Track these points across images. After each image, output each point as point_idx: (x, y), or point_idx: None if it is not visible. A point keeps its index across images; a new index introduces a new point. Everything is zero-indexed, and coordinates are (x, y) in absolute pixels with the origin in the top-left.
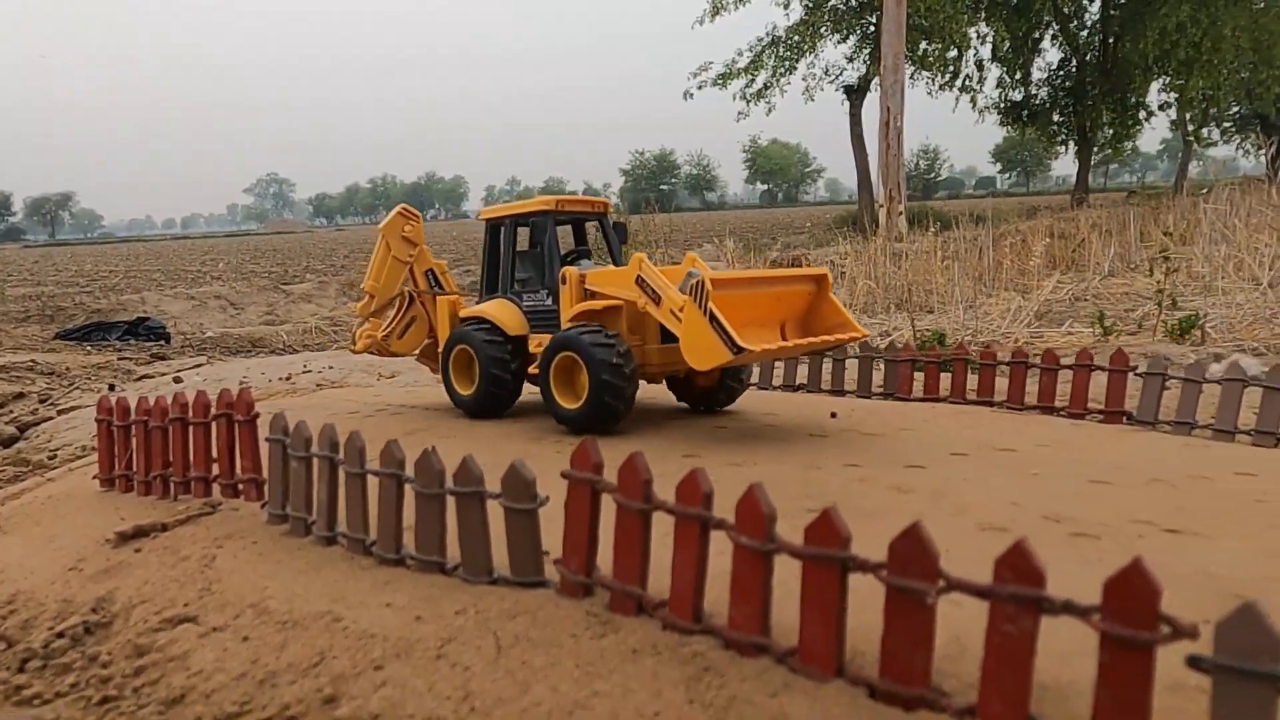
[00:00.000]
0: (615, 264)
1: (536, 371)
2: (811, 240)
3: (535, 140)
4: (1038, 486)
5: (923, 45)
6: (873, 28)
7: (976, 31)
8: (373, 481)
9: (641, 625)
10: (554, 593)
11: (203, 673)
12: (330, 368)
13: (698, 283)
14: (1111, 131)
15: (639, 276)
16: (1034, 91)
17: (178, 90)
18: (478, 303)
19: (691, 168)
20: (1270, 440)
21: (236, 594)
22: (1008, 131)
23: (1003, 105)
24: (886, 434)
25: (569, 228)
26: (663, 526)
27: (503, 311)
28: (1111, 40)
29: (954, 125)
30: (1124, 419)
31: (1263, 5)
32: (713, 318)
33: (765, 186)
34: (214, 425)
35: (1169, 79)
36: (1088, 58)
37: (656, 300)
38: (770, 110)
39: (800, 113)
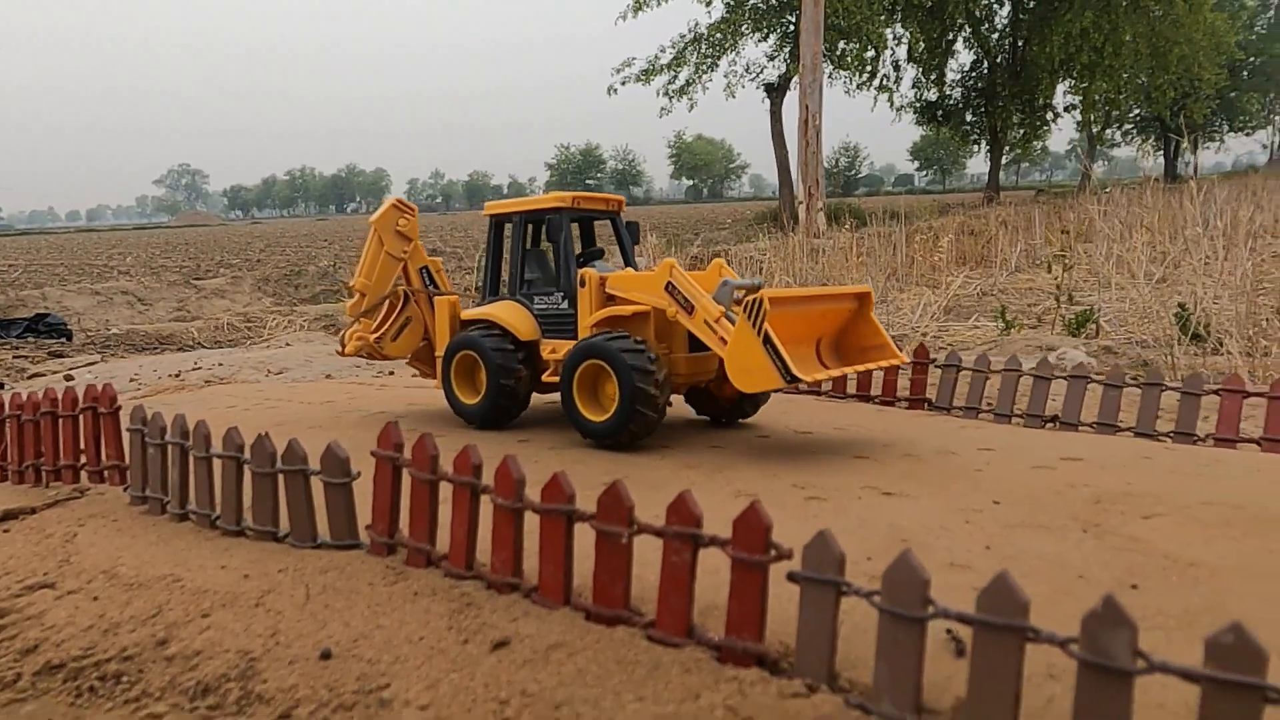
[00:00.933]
0: (629, 265)
1: (553, 380)
2: (733, 236)
3: (460, 136)
4: (803, 462)
5: (841, 45)
6: (792, 27)
7: (893, 33)
8: (220, 464)
9: (428, 575)
10: (365, 552)
11: (55, 627)
12: (220, 365)
13: (755, 301)
14: (1022, 132)
15: (669, 283)
16: (948, 92)
17: (80, 75)
18: (479, 304)
19: (617, 163)
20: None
21: (92, 563)
22: (924, 130)
23: (918, 105)
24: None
25: (576, 226)
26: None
27: (512, 315)
28: (1020, 44)
29: (874, 123)
30: (925, 405)
31: (1161, 14)
32: (768, 340)
33: (691, 182)
34: (81, 418)
35: (1074, 82)
36: (998, 60)
37: (689, 309)
38: (692, 106)
39: (726, 109)
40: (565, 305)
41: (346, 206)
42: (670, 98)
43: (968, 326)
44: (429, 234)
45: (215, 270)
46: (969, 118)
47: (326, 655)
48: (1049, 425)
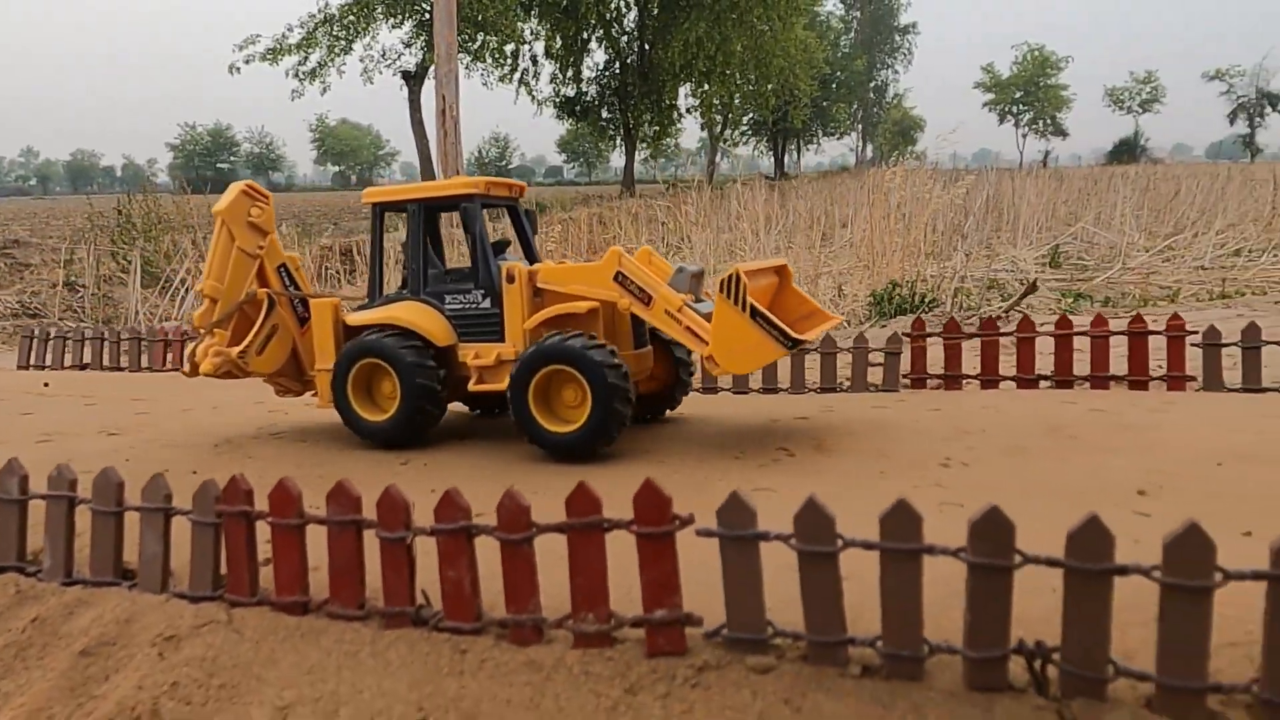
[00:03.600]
0: (530, 257)
1: (484, 389)
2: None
3: (58, 110)
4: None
5: (481, 38)
6: (428, 15)
7: (530, 29)
8: None
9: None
10: None
11: None
12: None
13: (733, 278)
14: (654, 129)
15: (619, 273)
16: (585, 89)
17: None
18: (363, 307)
19: (253, 145)
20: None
21: None
22: (566, 125)
23: (558, 100)
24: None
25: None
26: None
27: (421, 317)
28: (647, 47)
29: (526, 115)
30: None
31: (766, 29)
32: (755, 313)
33: (337, 168)
34: None
35: (694, 85)
36: (629, 61)
37: (646, 300)
38: (325, 89)
39: (371, 94)
40: (487, 304)
41: None
42: (302, 80)
43: None
44: (20, 223)
45: None
46: (605, 114)
47: None
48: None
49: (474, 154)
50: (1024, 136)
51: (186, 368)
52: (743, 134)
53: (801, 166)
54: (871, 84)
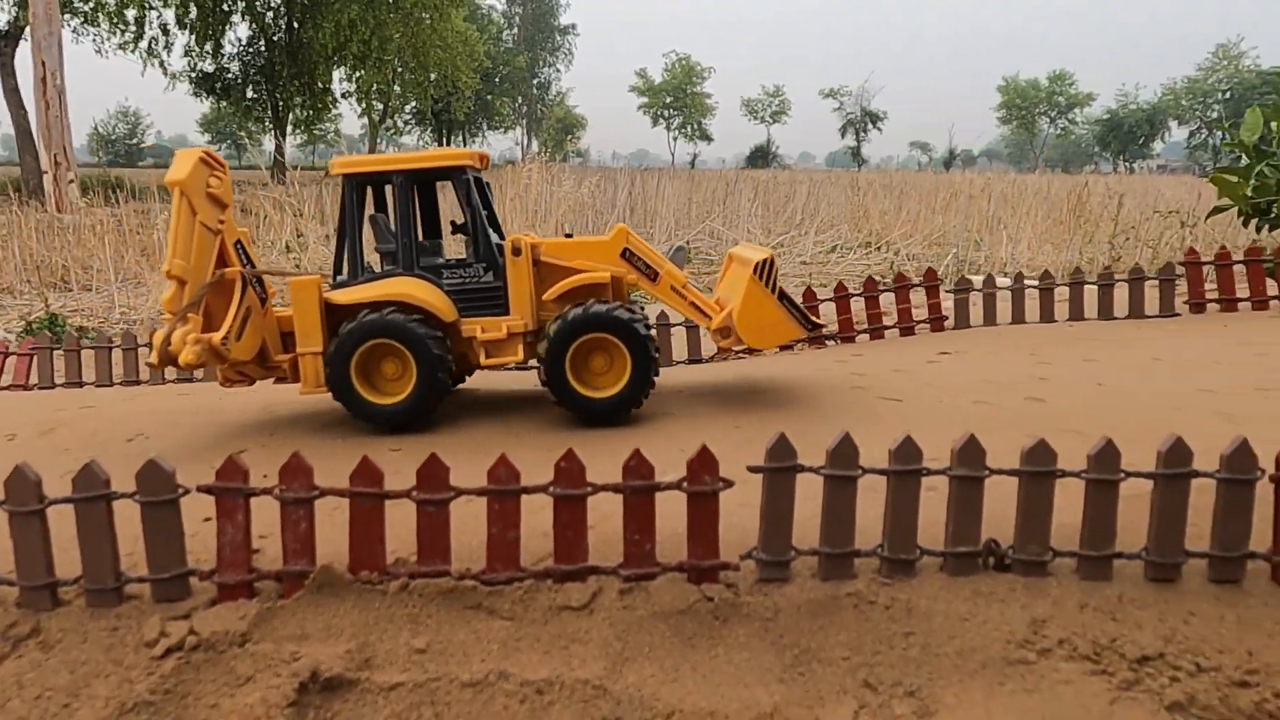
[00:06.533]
0: (497, 230)
1: (497, 363)
2: None
3: None
4: None
5: None
6: None
7: None
8: None
9: None
10: None
11: None
12: None
13: (767, 262)
14: (306, 114)
15: (627, 249)
16: (226, 65)
17: None
18: (339, 284)
19: None
20: None
21: None
22: (209, 103)
23: (195, 75)
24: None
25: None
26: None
27: (427, 293)
28: (296, 25)
29: (161, 88)
30: None
31: (426, 17)
32: (783, 296)
33: None
34: None
35: (348, 70)
36: (275, 38)
37: (653, 276)
38: None
39: None
40: (490, 278)
41: None
42: None
43: None
44: None
45: None
46: (251, 94)
47: None
48: None
49: (94, 129)
50: (675, 139)
51: (154, 358)
52: (406, 123)
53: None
54: (535, 80)
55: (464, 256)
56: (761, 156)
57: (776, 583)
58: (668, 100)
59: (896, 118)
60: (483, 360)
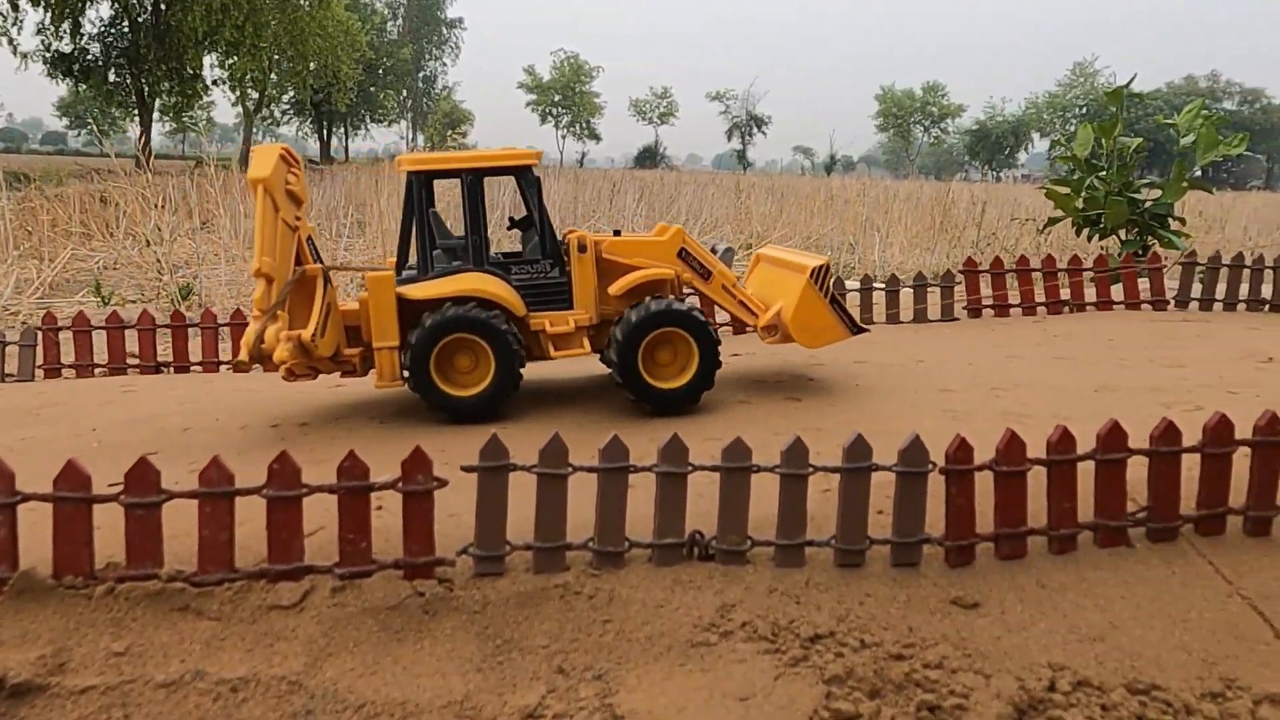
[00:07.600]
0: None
1: (564, 355)
2: None
3: None
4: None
5: None
6: None
7: None
8: None
9: None
10: None
11: None
12: None
13: (824, 268)
14: (174, 100)
15: (683, 249)
16: (86, 46)
17: None
18: (406, 279)
19: None
20: None
21: None
22: (65, 85)
23: (49, 56)
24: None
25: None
26: None
27: (499, 289)
28: (164, 7)
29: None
30: None
31: (304, 4)
32: (834, 301)
33: None
34: None
35: (221, 56)
36: (140, 20)
37: (706, 276)
38: None
39: None
40: (556, 274)
41: None
42: None
43: (74, 302)
44: None
45: None
46: (113, 78)
47: None
48: None
49: None
50: (563, 138)
51: (244, 354)
52: (284, 113)
53: (350, 152)
54: (421, 74)
55: (518, 251)
56: (649, 157)
57: (491, 577)
58: (556, 99)
59: (781, 122)
60: (551, 353)
